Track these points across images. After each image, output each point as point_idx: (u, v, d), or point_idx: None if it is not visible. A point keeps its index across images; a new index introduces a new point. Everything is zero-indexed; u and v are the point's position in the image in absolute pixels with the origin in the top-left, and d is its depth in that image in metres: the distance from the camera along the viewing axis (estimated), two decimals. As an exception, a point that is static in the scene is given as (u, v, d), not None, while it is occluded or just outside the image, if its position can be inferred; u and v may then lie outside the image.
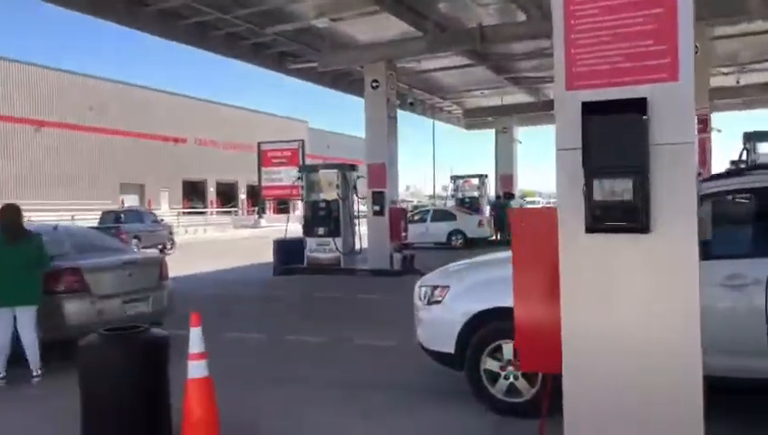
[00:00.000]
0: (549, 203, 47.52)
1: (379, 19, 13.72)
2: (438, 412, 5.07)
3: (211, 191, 47.78)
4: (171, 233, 24.87)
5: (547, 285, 3.07)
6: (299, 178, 15.74)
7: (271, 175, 34.62)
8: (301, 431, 4.85)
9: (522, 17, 14.20)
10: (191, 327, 4.24)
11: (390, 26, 14.24)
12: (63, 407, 5.36)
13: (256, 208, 41.70)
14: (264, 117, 51.92)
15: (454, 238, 21.41)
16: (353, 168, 15.74)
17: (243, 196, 50.65)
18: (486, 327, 4.81)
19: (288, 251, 15.56)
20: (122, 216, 23.48)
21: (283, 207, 51.41)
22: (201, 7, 12.32)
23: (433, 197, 59.67)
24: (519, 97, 24.06)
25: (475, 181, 26.93)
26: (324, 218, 15.24)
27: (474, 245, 21.12)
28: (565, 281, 2.94)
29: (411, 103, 21.15)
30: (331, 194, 15.42)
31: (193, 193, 46.63)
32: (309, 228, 15.43)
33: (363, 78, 19.17)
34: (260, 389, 5.81)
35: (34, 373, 6.10)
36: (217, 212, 45.76)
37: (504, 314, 4.74)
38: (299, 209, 55.74)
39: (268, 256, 16.93)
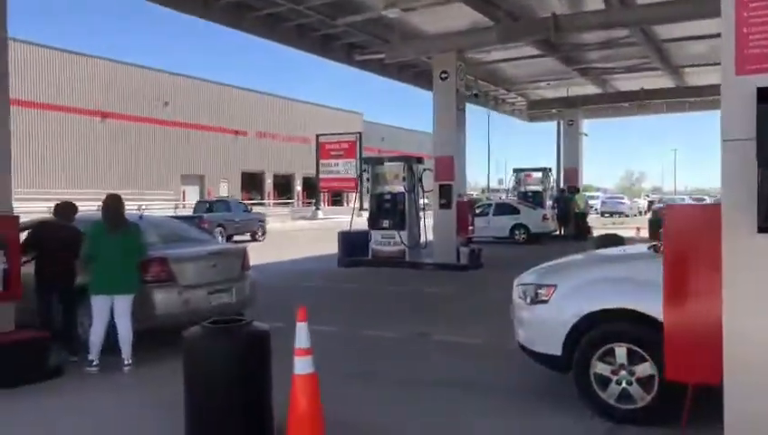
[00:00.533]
0: (606, 200, 46.11)
1: (449, 9, 13.44)
2: (538, 415, 4.85)
3: (268, 183, 48.46)
4: (262, 221, 25.39)
5: (704, 289, 2.81)
6: (364, 170, 15.63)
7: (328, 167, 34.89)
8: (399, 429, 4.73)
9: (596, 5, 13.69)
10: (297, 322, 4.15)
11: (460, 16, 13.94)
12: (157, 395, 5.42)
13: (314, 200, 42.00)
14: (320, 109, 52.33)
15: (517, 233, 20.97)
16: (419, 160, 15.54)
17: (299, 187, 51.18)
18: (598, 329, 4.56)
19: (353, 243, 15.52)
20: (212, 205, 24.61)
21: (337, 199, 51.87)
22: (274, -2, 12.35)
23: (487, 190, 58.91)
24: (586, 89, 23.37)
25: (538, 175, 26.34)
26: (389, 211, 15.12)
27: (537, 240, 20.70)
28: (729, 284, 2.68)
29: (476, 95, 20.76)
30: (396, 187, 15.28)
31: (251, 184, 47.40)
32: (374, 221, 15.33)
33: (428, 70, 18.93)
34: (349, 384, 5.70)
35: (126, 362, 6.15)
36: (274, 204, 46.33)
37: (617, 315, 4.51)
38: (353, 202, 56.05)
39: (329, 248, 16.96)
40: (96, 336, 6.07)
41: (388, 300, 10.79)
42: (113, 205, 6.28)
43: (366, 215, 16.29)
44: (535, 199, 23.90)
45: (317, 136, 35.14)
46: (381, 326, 8.20)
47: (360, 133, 35.07)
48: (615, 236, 13.77)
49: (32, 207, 19.13)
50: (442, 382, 5.81)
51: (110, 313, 6.12)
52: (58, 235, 6.51)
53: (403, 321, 8.64)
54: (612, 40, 16.57)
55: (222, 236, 21.79)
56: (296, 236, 26.96)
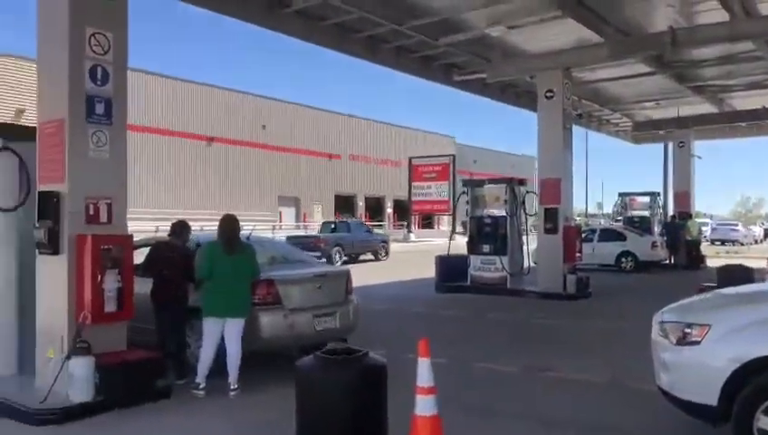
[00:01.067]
0: (717, 227, 43.06)
1: (554, 26, 12.94)
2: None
3: (360, 205, 48.93)
4: (385, 242, 26.70)
5: None
6: (463, 192, 15.19)
7: (421, 189, 34.86)
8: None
9: (717, 17, 12.72)
10: (420, 357, 3.81)
11: (565, 33, 13.39)
12: (265, 422, 5.27)
13: (405, 223, 41.94)
14: (412, 132, 52.57)
15: (624, 261, 19.79)
16: (522, 182, 14.94)
17: (389, 210, 51.39)
18: (765, 377, 3.91)
19: (451, 268, 15.06)
20: (336, 226, 26.69)
21: (427, 222, 51.59)
22: (378, 19, 12.21)
23: (585, 215, 56.80)
24: (699, 108, 21.90)
25: (644, 199, 24.87)
26: (490, 235, 14.56)
27: (645, 268, 19.45)
28: None
29: (580, 115, 19.92)
30: (497, 209, 14.75)
31: (343, 207, 48.04)
32: (473, 245, 14.81)
33: (530, 90, 18.38)
34: (467, 421, 5.26)
35: (232, 386, 6.01)
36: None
37: (790, 362, 3.87)
38: (444, 224, 55.62)
39: (423, 272, 16.58)
40: (206, 358, 5.97)
41: (495, 330, 10.24)
42: (230, 225, 6.21)
43: (460, 238, 15.94)
44: (642, 225, 22.54)
45: (410, 159, 35.19)
46: (492, 358, 7.71)
47: (453, 156, 34.81)
48: (741, 266, 12.53)
49: (142, 227, 20.04)
50: (566, 422, 5.28)
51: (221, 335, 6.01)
52: (173, 255, 6.51)
53: (514, 353, 8.12)
54: (733, 55, 15.40)
55: (340, 256, 23.10)
56: (389, 260, 26.76)
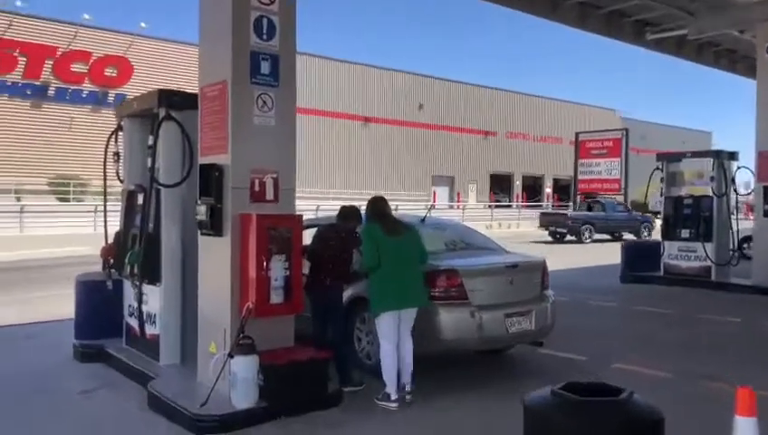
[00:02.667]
0: None
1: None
2: None
3: (517, 184, 46.75)
4: (648, 222, 26.17)
5: None
6: (657, 168, 13.08)
7: (588, 167, 32.28)
8: None
9: None
10: (738, 415, 2.45)
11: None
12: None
13: (570, 203, 39.24)
14: (572, 106, 49.30)
15: None
16: (732, 156, 12.54)
17: (548, 189, 48.68)
18: None
19: (639, 255, 13.15)
20: (591, 205, 27.05)
21: (590, 201, 48.18)
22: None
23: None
24: None
25: None
26: (691, 219, 12.41)
27: None
28: None
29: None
30: (699, 188, 12.56)
31: (498, 186, 46.17)
32: (669, 230, 12.75)
33: (731, 48, 15.77)
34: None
35: (407, 389, 5.05)
36: (524, 206, 44.45)
37: None
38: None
39: (597, 258, 15.12)
40: (390, 364, 4.99)
41: (715, 334, 8.33)
42: (384, 206, 5.29)
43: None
44: None
45: (576, 134, 32.68)
46: (725, 375, 5.98)
47: (626, 130, 31.77)
48: None
49: (303, 206, 19.96)
50: None
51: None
52: (331, 236, 5.60)
53: (757, 371, 6.33)
54: None
55: (590, 233, 24.32)
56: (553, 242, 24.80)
